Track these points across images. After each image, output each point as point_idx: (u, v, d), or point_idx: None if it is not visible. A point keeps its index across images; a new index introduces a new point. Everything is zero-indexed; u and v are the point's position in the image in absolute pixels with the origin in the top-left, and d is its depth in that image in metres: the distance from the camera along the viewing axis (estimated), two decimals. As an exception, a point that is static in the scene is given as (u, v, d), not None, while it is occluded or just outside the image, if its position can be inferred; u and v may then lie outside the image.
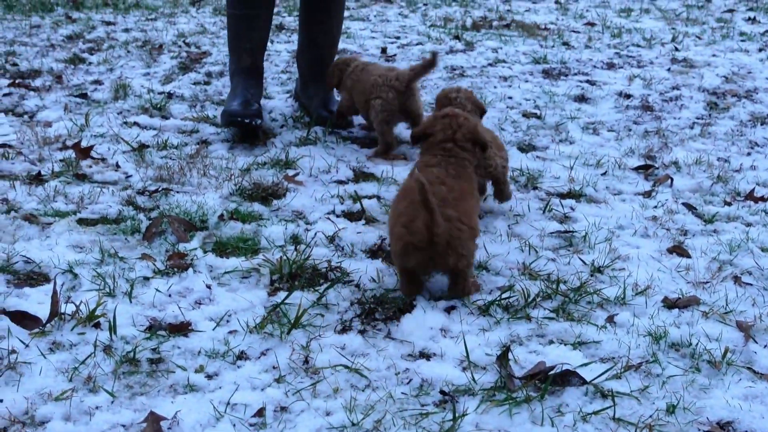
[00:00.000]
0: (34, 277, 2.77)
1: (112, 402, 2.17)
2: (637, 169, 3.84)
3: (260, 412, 2.15)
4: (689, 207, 3.46)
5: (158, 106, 4.50)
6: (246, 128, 3.93)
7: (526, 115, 4.56)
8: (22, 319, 2.46)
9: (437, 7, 7.70)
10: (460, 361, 2.39)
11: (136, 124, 4.23)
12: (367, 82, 3.90)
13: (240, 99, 3.98)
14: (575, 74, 5.41)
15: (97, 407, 2.15)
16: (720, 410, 2.21)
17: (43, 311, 2.50)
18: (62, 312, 2.50)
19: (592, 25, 6.99)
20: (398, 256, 2.60)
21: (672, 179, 3.70)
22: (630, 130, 4.39)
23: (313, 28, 4.27)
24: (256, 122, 3.92)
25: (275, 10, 7.29)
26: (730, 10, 7.76)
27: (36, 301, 2.60)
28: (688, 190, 3.65)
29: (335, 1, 4.22)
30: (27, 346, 2.38)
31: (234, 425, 2.11)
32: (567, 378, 2.29)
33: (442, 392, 2.25)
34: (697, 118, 4.62)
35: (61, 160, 3.70)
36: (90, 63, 5.39)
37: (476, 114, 3.38)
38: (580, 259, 2.99)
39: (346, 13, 7.22)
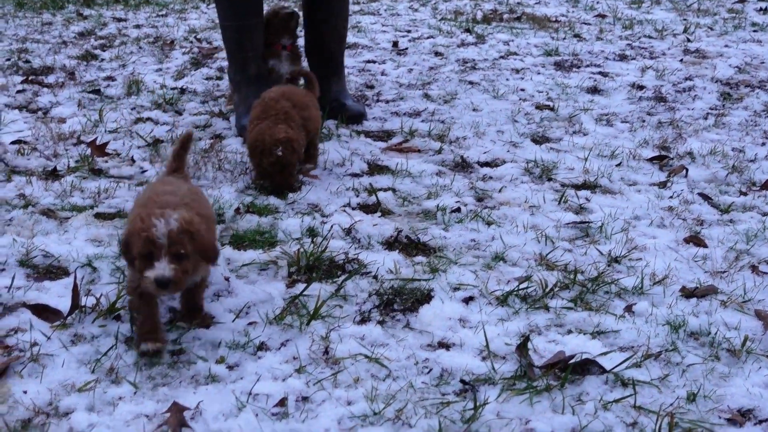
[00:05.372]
0: (53, 271, 2.78)
1: (135, 393, 2.18)
2: (651, 159, 3.84)
3: (282, 402, 2.16)
4: (705, 197, 3.46)
5: (171, 101, 4.52)
6: None
7: (539, 107, 4.55)
8: (43, 312, 2.48)
9: (447, 0, 7.69)
10: (479, 350, 2.40)
11: (149, 119, 4.24)
12: None
13: None
14: (587, 66, 5.40)
15: (120, 398, 2.16)
16: (740, 398, 2.21)
17: (63, 304, 2.51)
18: (83, 305, 2.51)
19: (603, 16, 6.98)
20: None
21: (687, 170, 3.69)
22: (644, 121, 4.38)
23: (318, 27, 4.29)
24: None
25: (286, 3, 7.30)
26: (742, 1, 7.73)
27: (56, 294, 2.62)
28: (704, 180, 3.64)
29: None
30: (49, 338, 2.39)
31: (256, 415, 2.11)
32: (587, 367, 2.30)
33: (462, 381, 2.26)
34: (711, 109, 4.61)
35: (77, 156, 3.72)
36: (102, 59, 5.41)
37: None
38: (596, 249, 2.99)
39: (356, 7, 7.23)
